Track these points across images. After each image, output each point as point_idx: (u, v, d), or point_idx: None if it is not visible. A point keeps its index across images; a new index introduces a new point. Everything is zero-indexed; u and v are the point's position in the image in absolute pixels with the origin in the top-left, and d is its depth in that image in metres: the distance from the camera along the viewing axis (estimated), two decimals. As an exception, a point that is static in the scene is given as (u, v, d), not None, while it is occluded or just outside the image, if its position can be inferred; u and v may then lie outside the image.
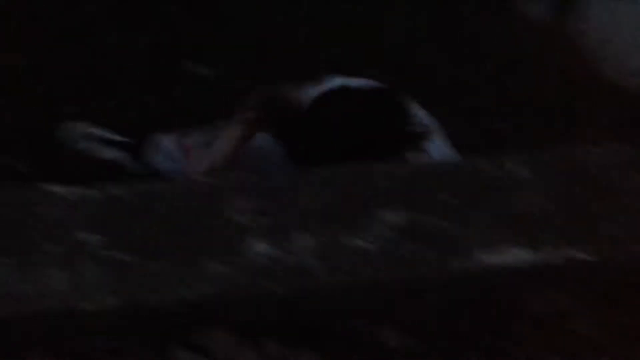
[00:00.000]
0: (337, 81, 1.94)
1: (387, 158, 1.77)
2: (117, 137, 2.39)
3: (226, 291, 1.37)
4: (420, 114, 1.95)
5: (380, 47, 3.56)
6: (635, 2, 3.68)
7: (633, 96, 3.72)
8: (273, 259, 1.42)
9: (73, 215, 1.44)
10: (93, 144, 2.31)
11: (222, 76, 3.47)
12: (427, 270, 1.43)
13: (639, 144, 1.78)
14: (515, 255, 1.44)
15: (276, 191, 1.53)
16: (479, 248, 1.45)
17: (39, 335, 1.37)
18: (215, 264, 1.39)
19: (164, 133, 2.30)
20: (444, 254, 1.45)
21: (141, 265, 1.38)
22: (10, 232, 1.41)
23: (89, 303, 1.32)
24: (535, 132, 3.41)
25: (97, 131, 2.36)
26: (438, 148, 1.89)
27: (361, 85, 1.96)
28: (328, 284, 1.42)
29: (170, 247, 1.41)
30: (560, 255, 1.44)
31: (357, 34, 3.60)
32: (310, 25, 3.62)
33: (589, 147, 1.73)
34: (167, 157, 2.22)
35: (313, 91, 1.81)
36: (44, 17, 3.47)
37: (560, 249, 1.44)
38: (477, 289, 1.46)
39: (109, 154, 2.32)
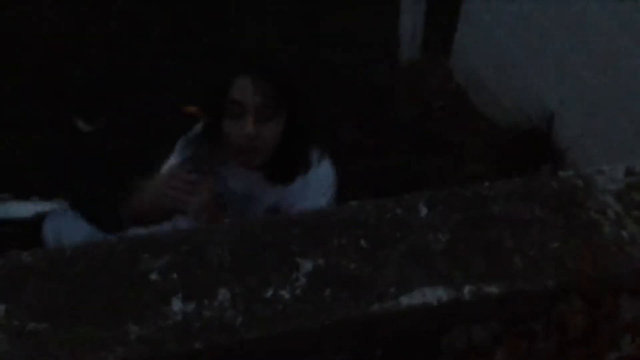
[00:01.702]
0: None
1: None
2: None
3: (148, 353, 1.34)
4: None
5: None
6: (499, 43, 3.88)
7: (501, 128, 3.92)
8: (191, 315, 1.41)
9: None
10: None
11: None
12: (345, 314, 1.45)
13: (525, 174, 1.88)
14: (428, 294, 1.48)
15: (190, 245, 1.52)
16: (392, 289, 1.48)
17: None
18: (133, 325, 1.37)
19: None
20: (359, 297, 1.47)
21: (56, 333, 1.34)
22: None
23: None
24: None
25: None
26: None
27: None
28: (246, 336, 1.42)
29: (84, 313, 1.38)
30: (472, 290, 1.49)
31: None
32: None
33: (481, 182, 1.81)
34: None
35: None
36: None
37: (471, 284, 1.50)
38: (394, 329, 1.49)
39: None
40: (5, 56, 4.01)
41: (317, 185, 1.97)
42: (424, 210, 1.67)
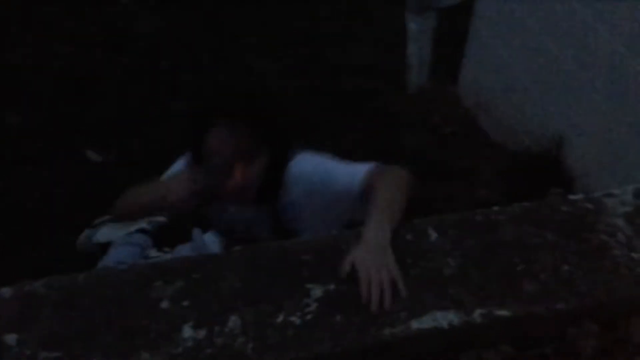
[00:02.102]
0: None
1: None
2: None
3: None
4: None
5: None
6: (507, 68, 3.90)
7: (510, 152, 3.92)
8: (202, 342, 1.41)
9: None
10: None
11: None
12: (356, 340, 1.45)
13: (535, 198, 1.88)
14: (440, 318, 1.48)
15: (201, 273, 1.53)
16: (403, 313, 1.48)
17: None
18: (145, 353, 1.37)
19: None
20: (370, 322, 1.47)
21: (70, 362, 1.35)
22: None
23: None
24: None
25: None
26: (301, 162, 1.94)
27: None
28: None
29: (97, 342, 1.39)
30: (483, 314, 1.49)
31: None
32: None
33: (491, 207, 1.81)
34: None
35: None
36: None
37: (483, 307, 1.50)
38: (405, 354, 1.49)
39: None
40: (19, 92, 4.06)
41: (309, 173, 1.92)
42: (434, 235, 1.68)
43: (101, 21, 4.81)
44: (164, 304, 1.46)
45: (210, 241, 2.18)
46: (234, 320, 1.45)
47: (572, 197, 1.85)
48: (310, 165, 1.90)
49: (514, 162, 3.75)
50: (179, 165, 1.97)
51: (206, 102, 1.88)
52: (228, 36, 4.76)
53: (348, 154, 1.96)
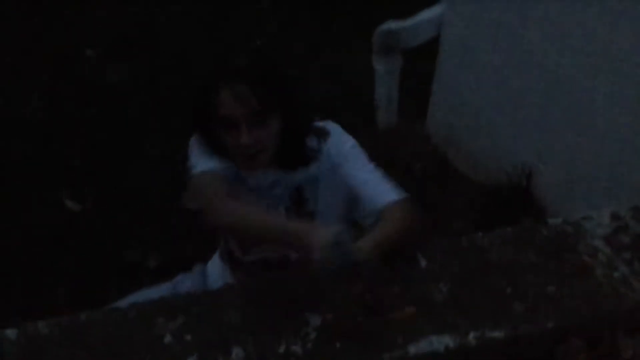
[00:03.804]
0: None
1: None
2: None
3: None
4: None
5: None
6: (474, 103, 4.00)
7: (481, 185, 4.00)
8: (207, 375, 1.44)
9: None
10: None
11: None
12: (356, 366, 1.50)
13: (514, 223, 1.95)
14: (436, 342, 1.53)
15: (202, 307, 1.56)
16: (400, 339, 1.53)
17: None
18: (152, 387, 1.40)
19: None
20: (368, 348, 1.52)
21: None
22: None
23: None
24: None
25: None
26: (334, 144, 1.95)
27: None
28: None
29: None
30: (477, 336, 1.54)
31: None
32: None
33: (473, 233, 1.88)
34: None
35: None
36: None
37: (476, 330, 1.55)
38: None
39: None
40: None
41: (343, 152, 1.93)
42: (423, 262, 1.73)
43: (69, 74, 4.85)
44: (167, 339, 1.49)
45: (213, 272, 2.20)
46: (236, 352, 1.48)
47: (551, 220, 1.92)
48: (347, 147, 1.94)
49: (486, 195, 3.82)
50: (193, 143, 1.96)
51: (210, 69, 1.88)
52: (196, 78, 4.80)
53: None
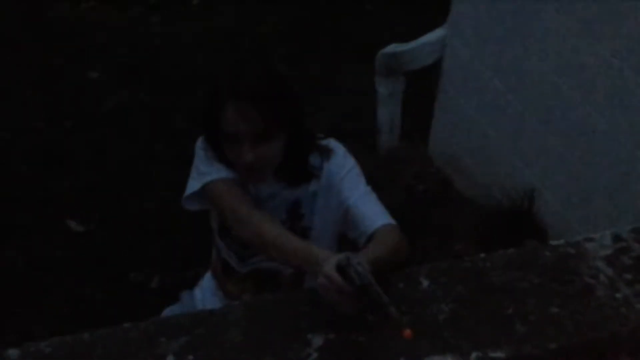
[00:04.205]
0: None
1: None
2: None
3: None
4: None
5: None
6: (476, 126, 4.02)
7: (483, 207, 4.01)
8: (209, 395, 1.44)
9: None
10: None
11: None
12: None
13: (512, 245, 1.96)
14: (437, 362, 1.54)
15: (204, 328, 1.56)
16: (402, 359, 1.53)
17: None
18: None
19: None
20: (371, 369, 1.52)
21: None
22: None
23: None
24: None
25: None
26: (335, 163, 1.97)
27: None
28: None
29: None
30: (479, 357, 1.54)
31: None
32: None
33: (475, 255, 1.89)
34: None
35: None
36: None
37: (478, 350, 1.55)
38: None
39: None
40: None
41: (342, 172, 1.95)
42: (425, 283, 1.74)
43: (70, 96, 4.87)
44: (170, 359, 1.50)
45: (205, 291, 2.21)
46: (239, 372, 1.49)
47: (553, 242, 1.93)
48: (347, 167, 1.96)
49: (488, 217, 3.83)
50: (199, 147, 1.96)
51: (219, 82, 1.87)
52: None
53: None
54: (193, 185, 1.93)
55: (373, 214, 1.91)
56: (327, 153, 1.96)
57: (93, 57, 5.26)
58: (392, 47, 4.14)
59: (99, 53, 5.31)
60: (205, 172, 1.91)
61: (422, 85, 4.42)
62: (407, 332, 1.45)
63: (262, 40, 5.52)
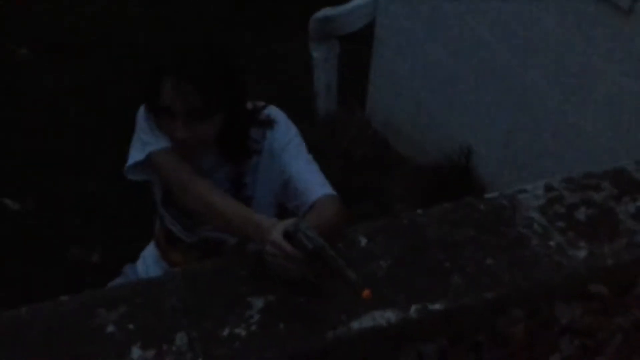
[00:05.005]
0: None
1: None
2: None
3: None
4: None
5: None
6: (411, 87, 4.04)
7: (421, 167, 4.06)
8: (152, 362, 1.44)
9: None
10: None
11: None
12: (300, 346, 1.51)
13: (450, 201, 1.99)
14: (378, 317, 1.55)
15: (143, 297, 1.55)
16: (343, 316, 1.55)
17: None
18: (96, 378, 1.39)
19: None
20: (312, 328, 1.53)
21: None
22: None
23: None
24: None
25: None
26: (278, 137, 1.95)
27: None
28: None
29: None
30: (418, 309, 1.57)
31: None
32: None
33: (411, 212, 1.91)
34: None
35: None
36: None
37: (417, 303, 1.58)
38: (349, 354, 1.55)
39: None
40: None
41: (284, 142, 1.94)
42: (364, 241, 1.75)
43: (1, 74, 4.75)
44: (109, 329, 1.49)
45: (148, 261, 2.20)
46: (180, 337, 1.48)
47: (487, 195, 1.96)
48: (289, 136, 1.95)
49: (426, 176, 3.87)
50: (141, 116, 1.93)
51: (158, 58, 1.85)
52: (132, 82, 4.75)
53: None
54: (136, 155, 1.90)
55: (314, 184, 1.91)
56: (269, 124, 1.95)
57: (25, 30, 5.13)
58: (323, 12, 4.13)
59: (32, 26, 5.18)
60: (148, 141, 1.88)
61: (358, 50, 4.43)
62: (367, 293, 1.45)
63: (196, 7, 5.45)
